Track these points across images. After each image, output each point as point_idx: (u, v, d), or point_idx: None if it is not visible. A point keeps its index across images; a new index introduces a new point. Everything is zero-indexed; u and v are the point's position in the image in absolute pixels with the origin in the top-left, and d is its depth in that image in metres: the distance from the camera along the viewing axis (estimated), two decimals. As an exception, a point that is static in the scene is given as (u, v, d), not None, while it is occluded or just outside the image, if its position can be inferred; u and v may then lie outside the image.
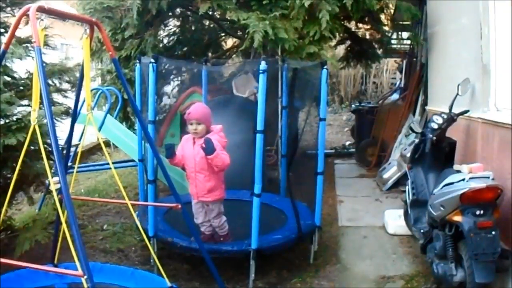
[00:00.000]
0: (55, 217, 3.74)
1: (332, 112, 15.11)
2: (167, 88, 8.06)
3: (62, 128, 4.08)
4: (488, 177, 3.55)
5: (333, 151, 10.11)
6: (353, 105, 10.86)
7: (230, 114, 6.04)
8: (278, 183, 5.78)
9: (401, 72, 11.56)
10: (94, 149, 9.37)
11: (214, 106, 5.96)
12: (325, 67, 4.49)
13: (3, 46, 2.72)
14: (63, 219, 2.63)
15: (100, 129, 5.86)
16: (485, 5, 4.54)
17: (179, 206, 3.55)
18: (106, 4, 6.37)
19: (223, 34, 8.29)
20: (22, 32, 3.49)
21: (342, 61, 8.85)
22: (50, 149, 3.53)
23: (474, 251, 3.36)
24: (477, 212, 3.43)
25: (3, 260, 2.61)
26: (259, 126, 3.92)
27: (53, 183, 2.82)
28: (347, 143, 11.01)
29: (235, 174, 4.73)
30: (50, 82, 4.52)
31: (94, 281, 2.37)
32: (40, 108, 2.76)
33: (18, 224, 4.66)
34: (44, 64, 2.54)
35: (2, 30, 4.23)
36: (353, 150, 9.90)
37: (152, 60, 4.12)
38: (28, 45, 4.22)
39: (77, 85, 3.43)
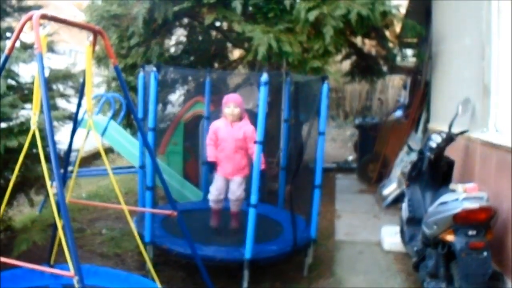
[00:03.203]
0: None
1: (336, 127, 15.14)
2: (171, 97, 8.11)
3: (66, 133, 4.13)
4: (482, 198, 3.57)
5: (335, 165, 10.11)
6: (356, 121, 10.87)
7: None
8: (278, 194, 5.81)
9: (405, 89, 11.58)
10: (98, 155, 9.42)
11: (217, 116, 6.02)
12: (326, 81, 4.53)
13: (6, 51, 2.77)
14: (58, 223, 2.67)
15: (103, 134, 5.93)
16: (488, 26, 4.58)
17: (175, 213, 3.60)
18: (113, 12, 6.45)
19: (229, 46, 8.35)
20: (28, 37, 3.56)
21: (347, 76, 8.89)
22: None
23: (465, 271, 3.37)
24: (470, 233, 3.44)
25: (2, 259, 2.66)
26: (259, 137, 3.97)
27: (51, 187, 2.88)
28: (350, 158, 11.01)
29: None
30: (54, 87, 4.58)
31: (89, 283, 2.41)
32: (41, 112, 2.81)
33: (18, 225, 4.72)
34: (46, 70, 2.59)
35: (9, 35, 4.31)
36: (355, 165, 9.90)
37: (154, 69, 4.19)
38: (33, 49, 4.28)
39: (79, 91, 3.48)
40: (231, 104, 4.58)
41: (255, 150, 4.13)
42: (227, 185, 4.67)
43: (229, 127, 4.61)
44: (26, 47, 4.23)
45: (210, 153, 4.74)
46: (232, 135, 4.59)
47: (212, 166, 4.73)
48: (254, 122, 4.11)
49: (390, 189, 7.15)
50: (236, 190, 4.62)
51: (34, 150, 3.81)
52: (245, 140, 4.55)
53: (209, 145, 4.73)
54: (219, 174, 4.68)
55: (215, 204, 4.70)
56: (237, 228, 4.69)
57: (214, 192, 4.66)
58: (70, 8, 13.68)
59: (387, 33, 7.40)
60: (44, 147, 2.79)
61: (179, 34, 8.09)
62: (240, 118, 4.63)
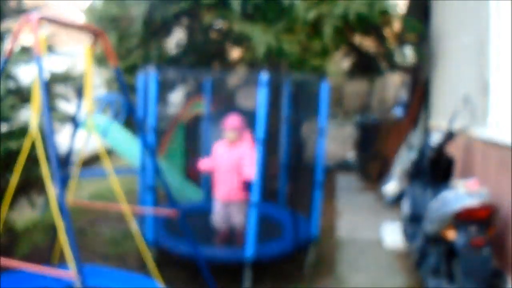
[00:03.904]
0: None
1: (336, 125, 15.10)
2: (171, 98, 8.11)
3: (66, 134, 4.14)
4: (483, 195, 3.57)
5: (335, 164, 10.11)
6: (356, 119, 10.87)
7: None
8: (279, 193, 5.81)
9: (405, 87, 11.58)
10: (100, 155, 9.41)
11: (217, 117, 6.02)
12: (326, 81, 4.54)
13: (5, 53, 2.78)
14: (59, 225, 2.67)
15: (104, 135, 5.93)
16: (487, 23, 4.58)
17: (176, 214, 3.60)
18: (112, 13, 6.45)
19: (229, 46, 8.34)
20: (28, 38, 3.56)
21: (346, 74, 8.88)
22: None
23: (466, 268, 3.38)
24: (471, 230, 3.45)
25: (2, 260, 2.66)
26: (259, 135, 3.99)
27: (52, 188, 2.88)
28: (350, 156, 11.00)
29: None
30: (54, 88, 4.58)
31: (91, 284, 2.42)
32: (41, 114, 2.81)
33: (20, 227, 4.73)
34: (46, 72, 2.59)
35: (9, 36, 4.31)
36: (356, 163, 9.90)
37: (154, 70, 4.19)
38: (33, 51, 4.28)
39: (80, 92, 3.49)
40: (227, 130, 4.58)
41: (248, 162, 4.30)
42: (228, 210, 4.62)
43: (226, 148, 4.61)
44: (25, 49, 4.23)
45: (203, 162, 4.78)
46: (228, 155, 4.57)
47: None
48: (254, 122, 4.11)
49: (391, 187, 7.15)
50: (236, 215, 4.57)
51: (35, 152, 3.81)
52: (241, 160, 4.49)
53: (211, 168, 4.75)
54: (217, 198, 4.67)
55: (219, 227, 4.67)
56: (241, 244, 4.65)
57: (215, 218, 4.66)
58: (69, 8, 13.63)
59: (386, 31, 7.39)
60: (45, 148, 2.80)
61: (179, 35, 8.08)
62: (241, 140, 4.60)
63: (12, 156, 3.75)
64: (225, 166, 4.56)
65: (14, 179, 3.13)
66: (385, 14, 6.29)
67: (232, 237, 4.64)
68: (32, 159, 3.79)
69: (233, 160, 4.51)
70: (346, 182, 8.72)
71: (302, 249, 4.52)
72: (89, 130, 3.37)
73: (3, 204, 3.16)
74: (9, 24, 4.57)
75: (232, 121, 4.63)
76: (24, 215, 5.71)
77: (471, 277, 3.37)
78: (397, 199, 6.96)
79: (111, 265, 4.67)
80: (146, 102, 4.55)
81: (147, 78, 4.45)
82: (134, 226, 3.65)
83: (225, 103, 7.51)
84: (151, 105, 4.27)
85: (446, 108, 5.52)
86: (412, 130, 7.80)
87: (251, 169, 4.30)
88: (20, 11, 4.52)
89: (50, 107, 2.59)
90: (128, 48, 6.73)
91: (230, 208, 4.58)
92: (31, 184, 4.33)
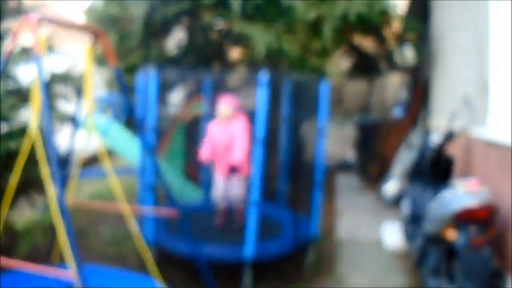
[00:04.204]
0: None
1: (335, 125, 15.09)
2: (171, 98, 8.11)
3: (66, 134, 4.14)
4: (483, 195, 3.57)
5: (335, 164, 10.11)
6: (356, 119, 10.86)
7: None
8: (278, 193, 5.81)
9: (405, 87, 11.57)
10: (100, 156, 9.41)
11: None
12: (326, 81, 4.54)
13: (5, 54, 2.78)
14: (58, 225, 2.67)
15: (104, 135, 5.92)
16: (486, 23, 4.58)
17: (176, 213, 3.60)
18: (112, 13, 6.45)
19: (229, 46, 8.34)
20: (28, 38, 3.56)
21: (346, 74, 8.88)
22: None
23: (466, 268, 3.38)
24: (471, 230, 3.44)
25: (2, 260, 2.66)
26: (259, 135, 3.98)
27: (52, 188, 2.88)
28: (350, 156, 11.00)
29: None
30: (54, 88, 4.58)
31: (91, 284, 2.42)
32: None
33: (20, 228, 4.72)
34: (46, 72, 2.59)
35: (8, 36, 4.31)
36: (356, 163, 9.90)
37: (154, 70, 4.19)
38: (33, 51, 4.28)
39: (80, 92, 3.49)
40: (221, 103, 4.66)
41: (238, 146, 4.45)
42: (227, 185, 4.69)
43: (220, 127, 4.68)
44: (25, 49, 4.23)
45: (203, 152, 4.82)
46: (222, 134, 4.65)
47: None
48: (254, 121, 4.11)
49: (391, 186, 7.15)
50: (235, 191, 4.66)
51: (35, 152, 3.81)
52: (234, 137, 4.58)
53: (204, 144, 4.81)
54: (217, 173, 4.75)
55: (218, 204, 4.75)
56: (241, 224, 4.68)
57: (215, 191, 4.73)
58: (69, 8, 13.63)
59: (386, 31, 7.40)
60: (45, 149, 2.80)
61: (178, 35, 8.08)
62: (234, 117, 4.67)
63: (12, 156, 3.75)
64: (221, 144, 4.65)
65: (14, 179, 3.12)
66: (385, 14, 6.28)
67: (231, 216, 4.74)
68: (32, 159, 3.80)
69: (228, 137, 4.60)
70: (346, 182, 8.73)
71: (302, 249, 4.52)
72: (89, 130, 3.36)
73: (3, 204, 3.16)
74: (9, 24, 4.58)
75: (226, 96, 4.75)
76: (24, 215, 5.73)
77: (471, 277, 3.37)
78: (397, 199, 6.96)
79: (111, 265, 4.67)
80: (146, 102, 4.54)
81: (147, 78, 4.45)
82: (134, 226, 3.65)
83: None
84: (151, 105, 4.27)
85: (446, 108, 5.52)
86: (412, 130, 7.79)
87: (239, 153, 4.46)
88: (20, 11, 4.51)
89: (50, 107, 2.59)
90: (128, 48, 6.73)
91: (230, 183, 4.68)
92: (31, 184, 4.32)
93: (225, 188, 4.69)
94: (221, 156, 4.68)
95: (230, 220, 4.78)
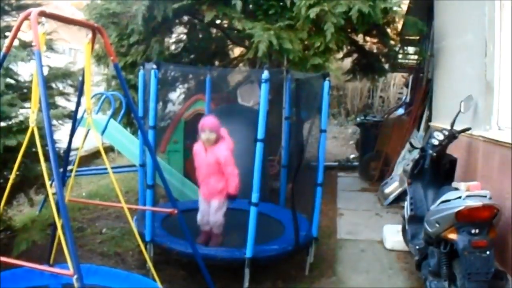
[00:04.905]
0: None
1: (337, 125, 15.11)
2: (172, 95, 8.09)
3: (65, 131, 4.11)
4: (485, 196, 3.54)
5: (336, 163, 10.09)
6: (358, 119, 10.84)
7: (233, 122, 6.06)
8: (279, 193, 5.78)
9: (407, 87, 11.56)
10: (98, 153, 9.40)
11: (217, 114, 5.98)
12: (327, 79, 4.50)
13: (4, 49, 2.75)
14: (58, 222, 2.65)
15: (103, 133, 5.90)
16: (490, 22, 4.55)
17: (175, 211, 3.57)
18: (111, 10, 6.43)
19: (230, 43, 8.33)
20: (27, 36, 3.54)
21: (348, 74, 8.87)
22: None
23: (467, 270, 3.34)
24: (472, 231, 3.41)
25: (0, 258, 2.64)
26: (260, 134, 3.95)
27: (51, 186, 2.86)
28: (352, 156, 10.99)
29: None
30: (53, 85, 4.56)
31: (89, 282, 2.39)
32: (40, 111, 2.78)
33: (18, 225, 4.70)
34: (45, 68, 2.56)
35: (7, 34, 4.28)
36: (357, 163, 9.88)
37: (154, 66, 4.16)
38: (32, 48, 4.26)
39: (78, 89, 3.46)
40: (207, 129, 4.45)
41: (231, 176, 4.38)
42: (208, 208, 4.59)
43: (203, 153, 4.54)
44: (25, 45, 4.21)
45: (197, 173, 4.73)
46: (205, 160, 4.51)
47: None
48: (255, 120, 4.07)
49: (392, 187, 7.13)
50: (213, 214, 4.52)
51: (34, 149, 3.79)
52: (218, 164, 4.44)
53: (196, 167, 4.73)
54: (200, 195, 4.66)
55: (202, 227, 4.63)
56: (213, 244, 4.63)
57: (198, 215, 4.62)
58: (69, 7, 13.65)
59: (389, 30, 7.37)
60: (43, 146, 2.77)
61: (179, 32, 8.06)
62: (217, 142, 4.50)
63: (11, 153, 3.73)
64: (204, 170, 4.54)
65: (12, 176, 3.09)
66: (388, 13, 6.25)
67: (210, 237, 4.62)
68: (31, 156, 3.77)
69: (211, 164, 4.46)
70: (347, 182, 8.69)
71: (302, 249, 4.49)
72: (88, 127, 3.33)
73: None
74: (9, 22, 4.56)
75: (208, 121, 4.56)
76: (22, 212, 5.72)
77: (472, 278, 3.33)
78: (398, 200, 6.94)
79: (109, 263, 4.65)
80: (146, 99, 4.51)
81: (147, 75, 4.42)
82: (132, 224, 3.62)
83: (226, 100, 7.49)
84: (151, 102, 4.23)
85: (448, 108, 5.48)
86: (414, 130, 7.77)
87: (234, 182, 4.40)
88: (20, 7, 4.49)
89: (49, 103, 2.56)
90: (129, 45, 6.71)
91: (210, 206, 4.56)
92: (29, 181, 4.30)
93: (207, 211, 4.58)
94: (204, 182, 4.57)
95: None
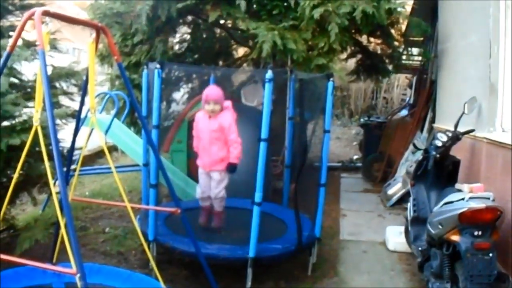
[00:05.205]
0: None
1: (341, 126, 15.09)
2: (175, 95, 8.10)
3: (69, 130, 4.13)
4: (489, 198, 3.53)
5: (340, 164, 10.08)
6: (361, 119, 10.82)
7: (237, 122, 6.07)
8: (282, 193, 5.78)
9: (411, 88, 11.54)
10: (102, 153, 9.42)
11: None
12: (331, 79, 4.50)
13: (8, 48, 2.76)
14: (61, 222, 2.65)
15: (106, 132, 5.91)
16: (495, 23, 4.54)
17: (178, 211, 3.58)
18: (115, 9, 6.44)
19: (234, 43, 8.33)
20: (31, 35, 3.55)
21: (352, 74, 8.85)
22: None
23: (470, 272, 3.33)
24: (475, 233, 3.40)
25: (2, 256, 2.65)
26: (263, 134, 3.95)
27: (54, 185, 2.87)
28: (355, 157, 10.97)
29: (240, 183, 4.76)
30: (57, 85, 4.57)
31: (91, 281, 2.40)
32: (43, 110, 2.79)
33: (21, 224, 4.71)
34: (49, 67, 2.57)
35: (11, 33, 4.30)
36: (360, 164, 9.86)
37: (158, 66, 4.16)
38: (36, 48, 4.28)
39: (82, 89, 3.47)
40: (211, 102, 4.47)
41: (233, 143, 4.39)
42: (209, 180, 4.59)
43: (207, 119, 4.54)
44: (28, 45, 4.22)
45: (194, 144, 4.76)
46: (208, 126, 4.51)
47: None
48: (259, 120, 4.07)
49: (395, 188, 7.12)
50: (215, 187, 4.52)
51: (37, 148, 3.80)
52: (222, 131, 4.45)
53: (194, 137, 4.73)
54: (199, 166, 4.63)
55: (202, 202, 4.64)
56: (220, 228, 4.64)
57: (198, 189, 4.62)
58: (72, 7, 13.69)
59: (393, 31, 7.36)
60: (47, 145, 2.79)
61: (183, 32, 8.07)
62: (221, 111, 4.53)
63: (14, 152, 3.74)
64: (206, 137, 4.52)
65: (16, 175, 3.10)
66: (392, 14, 6.24)
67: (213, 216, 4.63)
68: (34, 156, 3.79)
69: (214, 130, 4.47)
70: (350, 183, 8.68)
71: (305, 249, 4.49)
72: (91, 127, 3.34)
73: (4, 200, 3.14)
74: (13, 22, 4.57)
75: (212, 92, 4.58)
76: (25, 211, 5.73)
77: (475, 280, 3.32)
78: (401, 201, 6.93)
79: (112, 262, 4.66)
80: (150, 99, 4.52)
81: (151, 74, 4.42)
82: (135, 223, 3.63)
83: (229, 100, 7.48)
84: (155, 101, 4.24)
85: (452, 110, 5.47)
86: (418, 131, 7.76)
87: (236, 151, 4.41)
88: (23, 7, 4.51)
89: (53, 102, 2.57)
90: (132, 44, 6.72)
91: (211, 179, 4.56)
92: (32, 180, 4.31)
93: (207, 184, 4.58)
94: (206, 150, 4.55)
95: (212, 221, 4.71)
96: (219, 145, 4.48)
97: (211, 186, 4.55)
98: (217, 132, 4.45)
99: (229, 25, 7.56)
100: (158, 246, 4.36)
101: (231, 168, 4.47)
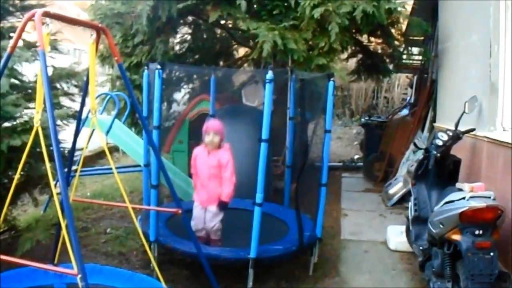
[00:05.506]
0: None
1: (342, 125, 15.08)
2: (176, 95, 8.10)
3: (70, 131, 4.13)
4: (489, 197, 3.53)
5: (341, 164, 10.08)
6: (362, 119, 10.82)
7: (238, 123, 6.08)
8: (283, 193, 5.78)
9: (412, 88, 11.53)
10: (103, 154, 9.42)
11: (222, 114, 6.00)
12: (332, 79, 4.50)
13: (9, 49, 2.76)
14: (62, 223, 2.66)
15: (107, 133, 5.92)
16: (495, 23, 4.53)
17: (180, 211, 3.58)
18: (116, 10, 6.44)
19: (234, 43, 8.33)
20: (31, 36, 3.56)
21: (353, 74, 8.86)
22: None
23: (471, 271, 3.33)
24: (476, 232, 3.40)
25: (3, 257, 2.65)
26: (264, 135, 3.95)
27: (55, 186, 2.87)
28: (356, 156, 10.97)
29: (242, 184, 4.76)
30: (58, 85, 4.58)
31: (93, 282, 2.41)
32: (44, 111, 2.80)
33: (22, 225, 4.72)
34: (49, 68, 2.58)
35: (12, 34, 4.30)
36: (361, 164, 9.86)
37: (158, 66, 4.17)
38: (36, 49, 4.29)
39: (83, 89, 3.47)
40: (211, 132, 4.47)
41: (226, 181, 4.39)
42: (205, 215, 4.55)
43: (205, 155, 4.53)
44: (29, 46, 4.23)
45: (193, 179, 4.73)
46: (207, 162, 4.50)
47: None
48: (260, 120, 4.08)
49: (396, 188, 7.12)
50: (210, 221, 4.50)
51: (38, 149, 3.80)
52: (220, 168, 4.45)
53: (192, 174, 4.73)
54: (196, 201, 4.62)
55: (197, 233, 4.53)
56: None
57: (192, 222, 4.55)
58: (73, 8, 13.70)
59: (393, 31, 7.36)
60: (48, 146, 2.79)
61: (184, 32, 8.07)
62: (219, 147, 4.52)
63: (15, 153, 3.74)
64: (205, 173, 4.52)
65: (17, 176, 3.11)
66: (392, 14, 6.24)
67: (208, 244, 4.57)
68: (35, 156, 3.79)
69: (213, 166, 4.46)
70: (351, 183, 8.67)
71: (306, 249, 4.49)
72: (92, 127, 3.35)
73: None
74: (14, 23, 4.58)
75: (213, 123, 4.63)
76: (27, 212, 5.74)
77: (476, 279, 3.32)
78: (402, 200, 6.93)
79: (113, 263, 4.66)
80: (150, 99, 4.52)
81: (152, 75, 4.43)
82: (137, 224, 3.64)
83: (230, 100, 7.50)
84: (156, 102, 4.25)
85: (453, 109, 5.47)
86: (418, 130, 7.75)
87: (229, 189, 4.40)
88: (24, 8, 4.51)
89: (53, 103, 2.57)
90: (133, 45, 6.72)
91: (206, 213, 4.53)
92: (33, 181, 4.32)
93: (203, 218, 4.55)
94: (204, 186, 4.55)
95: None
96: (216, 182, 4.49)
97: (206, 218, 4.53)
98: (215, 168, 4.46)
99: (230, 25, 7.57)
100: (159, 247, 4.36)
101: (221, 206, 4.46)
